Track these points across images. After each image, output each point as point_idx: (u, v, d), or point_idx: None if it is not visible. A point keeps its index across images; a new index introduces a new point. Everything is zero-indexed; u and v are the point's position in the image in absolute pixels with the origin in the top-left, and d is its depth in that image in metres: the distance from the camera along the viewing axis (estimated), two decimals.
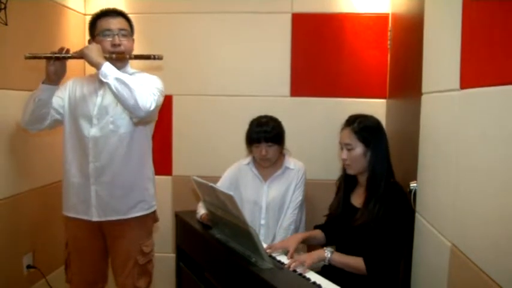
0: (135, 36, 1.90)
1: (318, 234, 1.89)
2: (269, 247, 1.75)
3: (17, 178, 2.01)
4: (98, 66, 1.65)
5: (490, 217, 1.03)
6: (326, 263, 1.62)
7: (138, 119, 1.76)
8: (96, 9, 1.87)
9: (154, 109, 1.71)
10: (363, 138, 1.68)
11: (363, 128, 1.70)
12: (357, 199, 1.76)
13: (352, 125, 1.71)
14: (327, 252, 1.63)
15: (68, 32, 2.40)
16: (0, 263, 1.89)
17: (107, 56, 1.73)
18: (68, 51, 1.70)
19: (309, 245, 1.97)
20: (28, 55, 1.67)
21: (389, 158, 1.73)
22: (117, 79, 1.63)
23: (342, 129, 1.76)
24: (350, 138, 1.70)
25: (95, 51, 1.69)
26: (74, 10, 2.47)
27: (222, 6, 2.51)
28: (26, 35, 2.01)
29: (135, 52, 1.87)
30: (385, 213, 1.61)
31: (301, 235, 1.85)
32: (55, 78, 1.73)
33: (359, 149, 1.69)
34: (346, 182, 1.81)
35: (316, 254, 1.63)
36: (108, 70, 1.64)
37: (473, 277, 1.08)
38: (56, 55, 1.69)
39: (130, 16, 1.89)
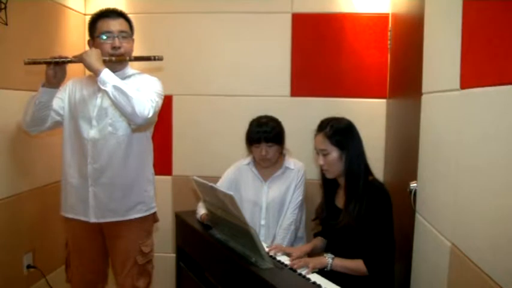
0: (136, 36, 1.89)
1: (319, 243, 1.90)
2: (275, 247, 1.75)
3: (17, 178, 2.01)
4: (96, 73, 1.64)
5: (490, 217, 1.03)
6: (328, 269, 1.62)
7: (136, 126, 1.75)
8: (96, 9, 1.87)
9: (152, 116, 1.70)
10: (336, 142, 1.69)
11: (335, 131, 1.70)
12: (340, 200, 1.77)
13: (324, 129, 1.72)
14: (329, 259, 1.63)
15: (68, 32, 2.39)
16: (0, 263, 1.89)
17: (107, 59, 1.72)
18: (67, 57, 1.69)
19: (309, 254, 1.97)
20: (27, 60, 1.66)
21: (365, 157, 1.74)
22: (115, 87, 1.62)
23: (315, 135, 1.76)
24: (324, 143, 1.71)
25: (94, 56, 1.67)
26: (74, 10, 2.47)
27: (222, 6, 2.51)
28: (26, 35, 2.01)
29: (135, 52, 1.87)
30: (368, 211, 1.62)
31: (308, 247, 1.86)
32: (55, 81, 1.72)
33: (334, 153, 1.70)
34: (327, 185, 1.83)
35: (319, 261, 1.63)
36: (107, 77, 1.63)
37: (473, 277, 1.08)
38: (55, 60, 1.68)
39: (130, 16, 1.88)
